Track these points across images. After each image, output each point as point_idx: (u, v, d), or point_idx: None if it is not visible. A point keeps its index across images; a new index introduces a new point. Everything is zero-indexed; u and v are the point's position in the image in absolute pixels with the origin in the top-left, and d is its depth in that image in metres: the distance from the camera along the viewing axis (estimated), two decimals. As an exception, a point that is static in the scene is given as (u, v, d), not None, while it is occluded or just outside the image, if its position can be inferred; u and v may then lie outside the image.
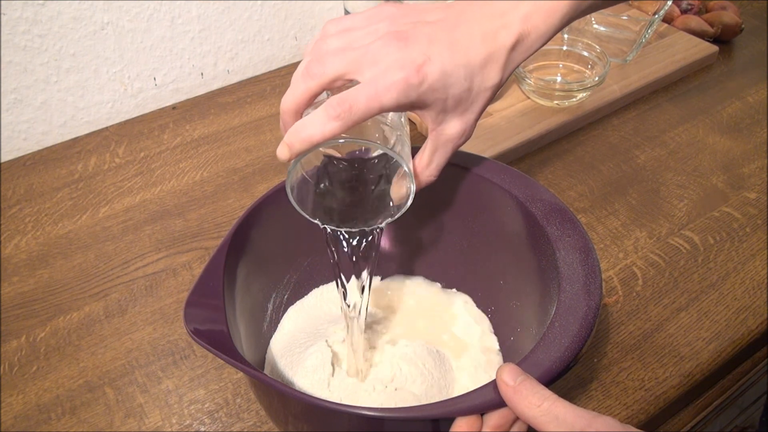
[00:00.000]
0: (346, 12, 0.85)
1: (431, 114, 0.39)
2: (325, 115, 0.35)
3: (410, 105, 0.37)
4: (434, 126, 0.40)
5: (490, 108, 0.79)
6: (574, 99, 0.77)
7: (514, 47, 0.39)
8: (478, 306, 0.55)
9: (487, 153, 0.72)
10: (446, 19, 0.38)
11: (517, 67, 0.40)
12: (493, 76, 0.39)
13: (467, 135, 0.41)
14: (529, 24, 0.39)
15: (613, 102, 0.80)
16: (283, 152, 0.37)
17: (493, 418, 0.35)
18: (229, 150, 0.78)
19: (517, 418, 0.35)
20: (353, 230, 0.41)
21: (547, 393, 0.33)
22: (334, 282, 0.57)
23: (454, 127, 0.40)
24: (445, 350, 0.51)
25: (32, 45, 0.73)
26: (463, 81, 0.38)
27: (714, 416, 0.64)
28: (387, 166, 0.42)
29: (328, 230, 0.41)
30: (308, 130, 0.36)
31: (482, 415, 0.35)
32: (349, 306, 0.45)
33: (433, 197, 0.52)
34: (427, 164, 0.42)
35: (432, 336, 0.52)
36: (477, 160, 0.50)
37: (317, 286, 0.56)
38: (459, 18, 0.38)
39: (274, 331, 0.53)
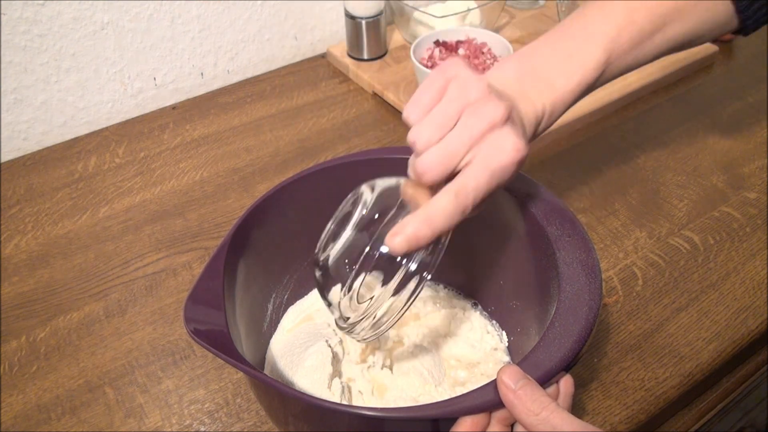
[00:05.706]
0: (347, 12, 0.85)
1: None
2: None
3: None
4: None
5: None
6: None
7: None
8: (482, 307, 0.55)
9: (487, 153, 0.72)
10: None
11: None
12: None
13: None
14: None
15: (613, 102, 0.80)
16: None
17: (501, 411, 0.35)
18: (229, 150, 0.78)
19: None
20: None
21: (546, 401, 0.34)
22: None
23: None
24: (444, 352, 0.51)
25: (32, 45, 0.73)
26: None
27: (717, 419, 0.64)
28: None
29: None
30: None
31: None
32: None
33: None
34: None
35: (431, 336, 0.52)
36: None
37: (317, 286, 0.56)
38: None
39: (274, 331, 0.53)
